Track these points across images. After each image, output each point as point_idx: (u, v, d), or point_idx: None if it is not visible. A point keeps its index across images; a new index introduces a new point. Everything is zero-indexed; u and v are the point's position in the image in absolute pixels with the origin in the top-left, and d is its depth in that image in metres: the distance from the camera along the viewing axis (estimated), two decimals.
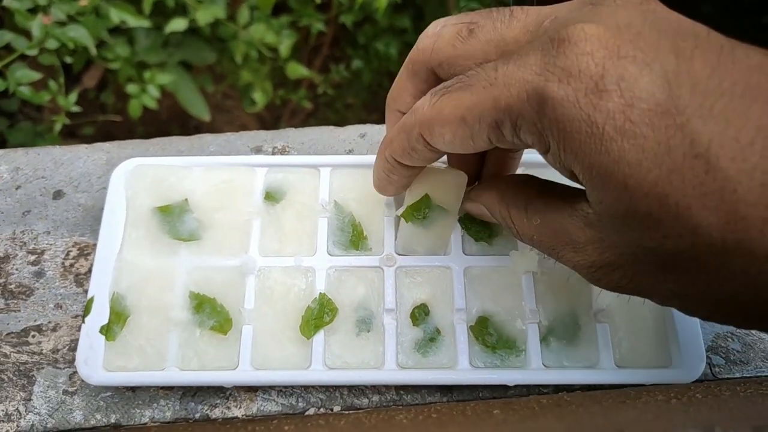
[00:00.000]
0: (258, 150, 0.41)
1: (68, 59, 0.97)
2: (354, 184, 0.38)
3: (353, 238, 0.36)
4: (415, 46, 0.30)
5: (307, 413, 0.35)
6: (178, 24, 0.99)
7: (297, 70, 1.20)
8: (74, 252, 0.38)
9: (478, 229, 0.36)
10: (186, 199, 0.37)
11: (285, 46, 1.15)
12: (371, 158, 0.38)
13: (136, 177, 0.37)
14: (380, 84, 1.45)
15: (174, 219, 0.36)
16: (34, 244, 0.39)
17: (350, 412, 0.35)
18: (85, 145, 0.41)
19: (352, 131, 0.42)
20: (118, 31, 1.02)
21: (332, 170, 0.38)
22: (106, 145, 0.41)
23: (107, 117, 1.25)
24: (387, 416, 0.41)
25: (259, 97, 1.18)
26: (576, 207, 0.25)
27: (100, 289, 0.35)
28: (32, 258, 0.38)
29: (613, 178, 0.21)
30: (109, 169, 0.40)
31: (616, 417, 0.74)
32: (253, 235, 0.36)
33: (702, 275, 0.22)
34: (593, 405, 0.48)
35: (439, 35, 0.28)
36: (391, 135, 0.30)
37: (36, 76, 0.88)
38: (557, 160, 0.24)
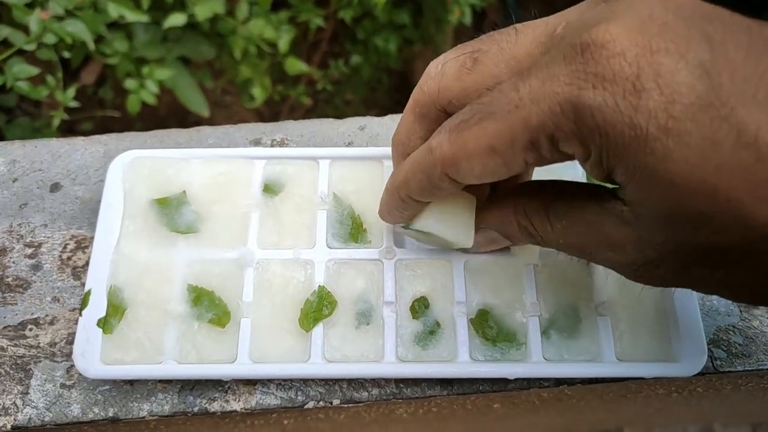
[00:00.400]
0: (257, 143, 0.41)
1: (66, 54, 0.96)
2: (353, 177, 0.37)
3: (352, 230, 0.36)
4: (418, 89, 0.28)
5: (306, 407, 0.35)
6: (176, 19, 0.98)
7: (296, 65, 1.19)
8: (72, 245, 0.38)
9: None
10: (184, 192, 0.36)
11: (284, 41, 1.14)
12: (371, 150, 0.38)
13: (134, 169, 0.37)
14: (379, 80, 1.45)
15: (172, 211, 0.36)
16: (32, 237, 0.38)
17: (350, 405, 0.35)
18: (83, 138, 0.41)
19: (352, 124, 0.41)
20: (116, 26, 1.01)
21: (331, 162, 0.37)
22: (104, 137, 0.41)
23: (105, 112, 1.25)
24: (387, 410, 0.41)
25: (258, 93, 1.18)
26: (606, 206, 0.24)
27: (97, 282, 0.35)
28: (29, 251, 0.38)
29: (660, 178, 0.20)
30: (106, 161, 0.40)
31: (617, 411, 0.74)
32: (252, 228, 0.36)
33: (754, 265, 0.21)
34: (594, 399, 0.48)
35: (443, 73, 0.27)
36: (407, 176, 0.28)
37: (34, 71, 0.88)
38: (597, 166, 0.23)
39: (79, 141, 0.41)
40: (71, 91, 0.97)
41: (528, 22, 0.26)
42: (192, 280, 0.35)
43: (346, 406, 0.35)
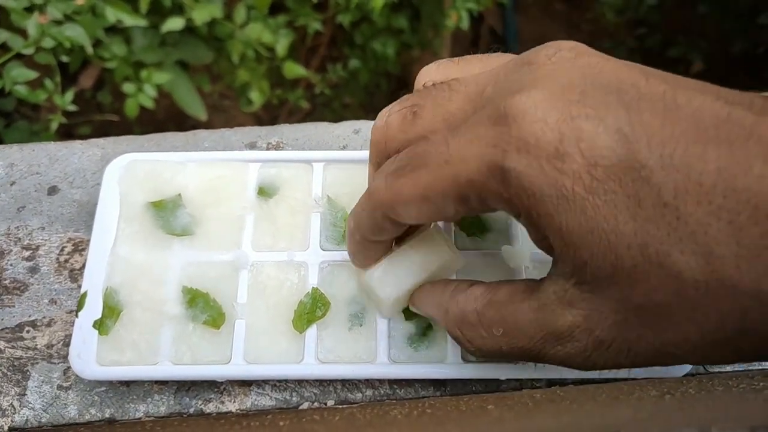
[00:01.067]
0: (252, 146, 0.41)
1: (65, 58, 0.97)
2: (347, 180, 0.38)
3: (346, 233, 0.36)
4: (371, 139, 0.30)
5: (301, 407, 0.35)
6: (174, 23, 0.99)
7: (294, 69, 1.20)
8: (69, 247, 0.39)
9: (470, 224, 0.37)
10: (179, 195, 0.37)
11: (282, 45, 1.15)
12: (364, 153, 0.38)
13: (130, 172, 0.37)
14: (377, 84, 1.45)
15: (167, 214, 0.36)
16: (29, 239, 0.39)
17: (344, 406, 0.35)
18: (80, 141, 0.42)
19: (347, 127, 0.42)
20: (114, 30, 1.02)
21: (325, 165, 0.38)
22: (101, 141, 0.42)
23: (104, 116, 1.25)
24: (381, 411, 0.41)
25: (256, 97, 1.19)
26: (544, 297, 0.25)
27: (93, 284, 0.35)
28: (27, 254, 0.38)
29: (594, 235, 0.21)
30: (103, 164, 0.40)
31: (611, 415, 0.74)
32: (246, 230, 0.36)
33: (693, 322, 0.22)
34: (588, 401, 0.48)
35: (387, 125, 0.28)
36: (357, 217, 0.30)
37: (32, 75, 0.89)
38: (529, 225, 0.24)
39: (76, 144, 0.41)
40: (69, 95, 0.97)
41: (462, 78, 0.27)
42: (187, 282, 0.35)
43: (340, 407, 0.36)
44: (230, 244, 0.36)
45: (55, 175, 0.41)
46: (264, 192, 0.37)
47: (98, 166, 0.41)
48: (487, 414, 0.50)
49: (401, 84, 1.49)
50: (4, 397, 0.35)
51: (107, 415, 0.35)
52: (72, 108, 0.97)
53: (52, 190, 0.40)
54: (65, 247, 0.39)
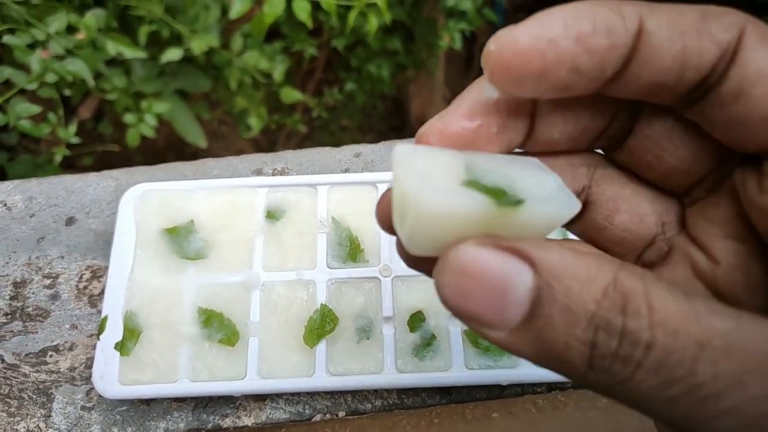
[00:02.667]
0: (258, 172, 0.43)
1: (67, 92, 0.99)
2: (350, 201, 0.40)
3: (351, 251, 0.38)
4: None
5: (313, 419, 0.37)
6: (173, 54, 1.01)
7: (291, 94, 1.22)
8: (87, 275, 0.40)
9: None
10: (192, 221, 0.39)
11: (279, 71, 1.17)
12: (366, 176, 0.40)
13: (144, 201, 0.39)
14: (374, 106, 1.48)
15: (181, 239, 0.38)
16: (49, 268, 0.41)
17: (355, 417, 0.37)
18: (95, 174, 0.44)
19: (348, 152, 0.44)
20: (113, 62, 1.04)
21: (329, 188, 0.40)
22: (114, 172, 0.44)
23: (105, 147, 1.27)
24: (391, 422, 0.43)
25: (255, 123, 1.21)
26: None
27: (113, 308, 0.37)
28: (48, 282, 0.40)
29: None
30: (118, 195, 0.42)
31: (615, 423, 0.76)
32: (256, 252, 0.38)
33: None
34: (590, 409, 0.50)
35: None
36: None
37: (36, 109, 0.91)
38: None
39: (91, 177, 0.44)
40: (72, 128, 1.00)
41: None
42: (202, 303, 0.37)
43: (351, 417, 0.37)
44: (242, 265, 0.38)
45: (72, 206, 0.43)
46: (272, 215, 0.39)
47: (113, 197, 0.43)
48: (492, 422, 0.52)
49: (397, 105, 1.52)
50: (30, 419, 0.37)
51: None
52: (75, 140, 1.00)
53: (70, 221, 0.42)
54: (84, 274, 0.41)
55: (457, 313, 0.17)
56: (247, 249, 0.38)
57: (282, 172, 0.43)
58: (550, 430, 0.70)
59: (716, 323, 0.15)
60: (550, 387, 0.37)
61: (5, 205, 0.43)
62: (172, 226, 0.39)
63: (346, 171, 0.44)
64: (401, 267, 0.38)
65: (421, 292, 0.37)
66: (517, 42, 0.17)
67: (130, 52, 0.98)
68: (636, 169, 0.22)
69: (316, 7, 1.02)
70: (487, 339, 0.17)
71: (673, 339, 0.15)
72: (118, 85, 1.05)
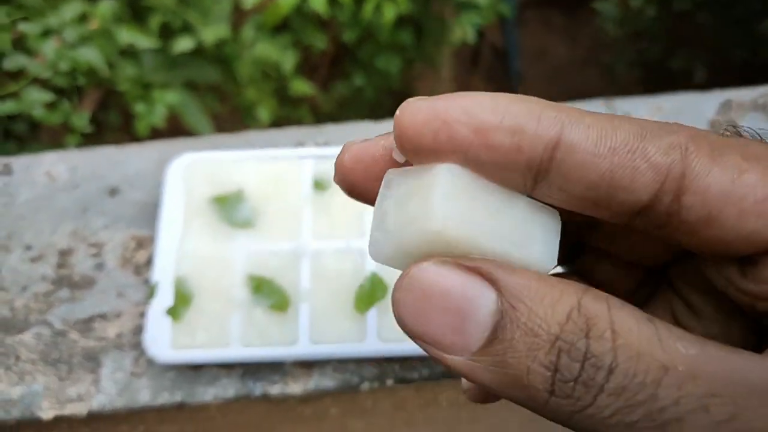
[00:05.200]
0: (300, 145, 0.44)
1: (81, 80, 0.99)
2: None
3: None
4: None
5: (361, 387, 0.37)
6: (185, 43, 1.02)
7: (301, 87, 1.23)
8: (132, 244, 0.41)
9: None
10: (241, 190, 0.39)
11: (289, 63, 1.18)
12: None
13: (192, 171, 0.40)
14: (381, 100, 1.48)
15: (230, 208, 0.38)
16: (94, 238, 0.41)
17: (401, 386, 0.37)
18: (137, 144, 0.44)
19: (388, 125, 0.44)
20: (124, 53, 1.04)
21: None
22: (157, 143, 0.44)
23: (115, 137, 1.27)
24: (432, 396, 0.44)
25: (264, 114, 1.21)
26: None
27: (163, 274, 0.37)
28: (93, 251, 0.40)
29: None
30: (160, 166, 0.43)
31: None
32: (305, 221, 0.39)
33: None
34: None
35: None
36: None
37: (50, 97, 0.91)
38: None
39: (134, 148, 0.44)
40: (86, 116, 1.00)
41: None
42: (252, 270, 0.37)
43: (397, 387, 0.38)
44: (290, 233, 0.38)
45: (115, 177, 0.43)
46: (320, 185, 0.39)
47: (155, 168, 0.43)
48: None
49: (404, 100, 1.52)
50: (81, 384, 0.37)
51: (179, 399, 0.37)
52: (89, 129, 1.00)
53: (114, 192, 0.42)
54: (129, 244, 0.41)
55: (414, 334, 0.16)
56: (296, 218, 0.39)
57: (325, 145, 0.44)
58: None
59: (680, 348, 0.15)
60: None
61: (50, 175, 0.43)
62: (221, 194, 0.39)
63: None
64: None
65: None
66: (417, 115, 0.16)
67: (142, 41, 0.99)
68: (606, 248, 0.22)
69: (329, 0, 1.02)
70: (443, 365, 0.16)
71: (636, 362, 0.15)
72: (129, 75, 1.05)
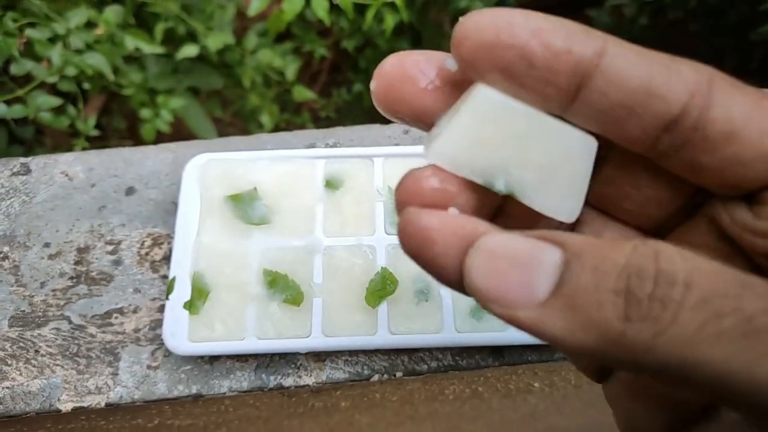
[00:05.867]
0: (311, 147, 0.45)
1: (86, 85, 1.00)
2: (405, 171, 0.41)
3: None
4: None
5: (371, 379, 0.38)
6: (189, 50, 1.03)
7: (303, 93, 1.24)
8: (148, 242, 0.42)
9: None
10: (255, 188, 0.40)
11: (291, 70, 1.19)
12: (418, 149, 0.42)
13: (207, 170, 0.41)
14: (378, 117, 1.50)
15: (245, 206, 0.40)
16: (111, 235, 0.42)
17: (410, 378, 0.39)
18: (152, 146, 0.45)
19: (396, 128, 0.46)
20: (129, 59, 1.06)
21: (384, 160, 0.42)
22: (172, 145, 0.45)
23: (120, 142, 1.28)
24: (438, 389, 0.45)
25: (267, 120, 1.22)
26: None
27: (180, 270, 0.38)
28: (110, 248, 0.42)
29: None
30: (175, 167, 0.44)
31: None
32: (317, 218, 0.40)
33: None
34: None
35: None
36: None
37: (57, 101, 0.92)
38: None
39: (150, 149, 0.45)
40: (92, 121, 1.01)
41: None
42: (267, 265, 0.38)
43: (406, 379, 0.39)
44: (304, 231, 0.39)
45: (131, 177, 0.44)
46: (331, 184, 0.41)
47: (171, 168, 0.44)
48: (526, 404, 0.54)
49: None
50: (99, 376, 0.38)
51: (194, 391, 0.38)
52: (95, 132, 1.01)
53: (130, 191, 0.44)
54: (145, 241, 0.42)
55: (484, 295, 0.17)
56: (309, 216, 0.40)
57: (334, 147, 0.45)
58: (569, 417, 0.71)
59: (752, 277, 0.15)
60: None
61: (67, 175, 0.44)
62: (236, 193, 0.40)
63: (396, 146, 0.45)
64: None
65: None
66: (481, 17, 0.17)
67: (147, 48, 1.00)
68: (603, 208, 0.22)
69: (330, 7, 1.03)
70: (514, 323, 0.17)
71: (713, 278, 0.15)
72: (134, 80, 1.06)
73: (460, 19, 0.18)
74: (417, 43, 1.43)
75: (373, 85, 0.20)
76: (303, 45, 1.31)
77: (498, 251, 0.17)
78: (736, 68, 1.46)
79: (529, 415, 0.67)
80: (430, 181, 0.20)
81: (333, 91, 1.47)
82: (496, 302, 0.17)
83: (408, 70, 0.20)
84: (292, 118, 1.37)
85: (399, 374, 0.39)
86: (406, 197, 0.20)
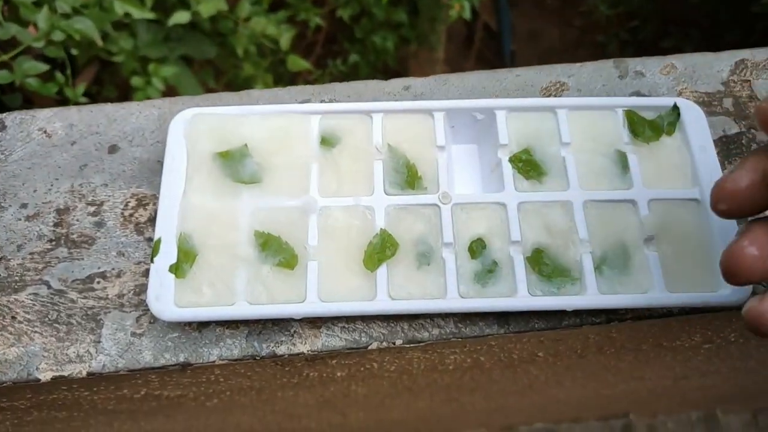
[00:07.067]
0: (305, 103, 0.42)
1: (74, 51, 0.97)
2: (405, 128, 0.39)
3: (408, 178, 0.37)
4: None
5: (369, 347, 0.36)
6: (181, 17, 1.00)
7: (298, 63, 1.21)
8: (132, 203, 0.39)
9: (528, 169, 0.38)
10: (245, 145, 0.38)
11: (285, 39, 1.16)
12: (421, 104, 0.40)
13: (195, 125, 0.38)
14: (377, 79, 1.47)
15: (235, 163, 0.37)
16: (93, 196, 0.40)
17: (410, 346, 0.36)
18: (137, 102, 0.42)
19: (397, 84, 0.43)
20: (119, 25, 1.02)
21: (384, 116, 0.39)
22: (157, 101, 0.42)
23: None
24: (438, 359, 0.43)
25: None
26: None
27: (166, 231, 0.36)
28: (92, 209, 0.39)
29: None
30: (161, 124, 0.41)
31: (625, 395, 0.76)
32: (312, 177, 0.37)
33: None
34: (627, 354, 0.50)
35: None
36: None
37: (44, 67, 0.89)
38: None
39: (133, 105, 0.42)
40: (81, 88, 0.98)
41: None
42: (258, 226, 0.36)
43: (406, 347, 0.37)
44: (298, 190, 0.37)
45: (114, 134, 0.41)
46: (326, 141, 0.38)
47: (156, 125, 0.42)
48: (527, 376, 0.52)
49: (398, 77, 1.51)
50: (80, 344, 0.36)
51: (182, 360, 0.36)
52: (83, 100, 0.98)
53: (113, 149, 0.41)
54: (129, 202, 0.39)
55: None
56: (303, 174, 0.37)
57: (331, 102, 0.42)
58: (568, 389, 0.70)
59: None
60: (609, 319, 0.37)
61: (45, 132, 0.41)
62: (225, 149, 0.38)
63: None
64: (460, 194, 0.37)
65: (482, 219, 0.37)
66: None
67: (137, 13, 0.97)
68: None
69: None
70: None
71: None
72: (125, 47, 1.03)
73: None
74: (414, 13, 1.40)
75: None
76: (297, 14, 1.27)
77: None
78: (737, 41, 1.43)
79: (528, 387, 0.65)
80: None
81: (328, 62, 1.44)
82: None
83: None
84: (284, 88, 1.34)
85: (399, 342, 0.36)
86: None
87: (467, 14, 1.23)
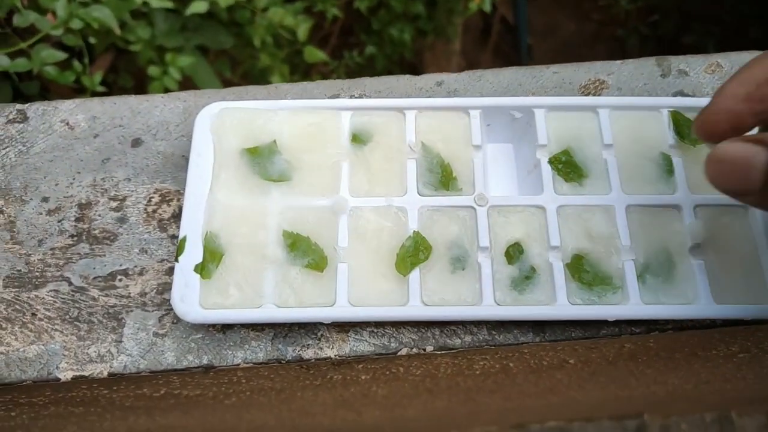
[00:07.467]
0: (335, 98, 0.41)
1: (92, 40, 0.96)
2: (439, 126, 0.37)
3: (443, 178, 0.36)
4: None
5: (399, 353, 0.35)
6: (199, 6, 0.99)
7: (315, 54, 1.20)
8: (156, 198, 0.38)
9: (569, 171, 0.36)
10: (274, 141, 0.36)
11: (303, 29, 1.15)
12: (457, 101, 0.38)
13: (222, 120, 0.37)
14: (392, 70, 1.45)
15: (263, 160, 0.36)
16: (115, 190, 0.38)
17: (443, 352, 0.35)
18: (161, 95, 0.41)
19: (429, 80, 0.42)
20: (137, 15, 1.02)
21: (418, 113, 0.38)
22: (182, 94, 0.41)
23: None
24: (465, 364, 0.41)
25: (277, 81, 1.18)
26: None
27: (191, 229, 0.35)
28: (114, 204, 0.38)
29: None
30: (186, 117, 0.40)
31: (641, 398, 0.75)
32: (343, 176, 0.36)
33: None
34: (657, 361, 0.48)
35: None
36: None
37: (62, 55, 0.88)
38: None
39: (158, 98, 0.41)
40: (98, 77, 0.97)
41: None
42: (287, 226, 0.35)
43: (437, 353, 0.35)
44: (328, 189, 0.36)
45: (138, 127, 0.40)
46: (358, 139, 0.37)
47: (181, 119, 0.40)
48: (551, 379, 0.50)
49: (414, 71, 1.49)
50: (101, 343, 0.35)
51: (205, 362, 0.35)
52: (101, 89, 0.97)
53: (136, 143, 0.40)
54: (152, 197, 0.38)
55: (718, 188, 0.27)
56: (333, 172, 0.36)
57: (360, 98, 0.41)
58: (591, 390, 0.68)
59: None
60: (649, 329, 0.35)
61: (67, 124, 0.40)
62: (253, 145, 0.36)
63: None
64: (497, 196, 0.36)
65: (519, 223, 0.35)
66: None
67: (156, 2, 0.96)
68: None
69: None
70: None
71: None
72: (142, 36, 1.02)
73: None
74: (432, 5, 1.38)
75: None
76: (315, 4, 1.26)
77: (720, 157, 0.26)
78: (759, 38, 1.41)
79: (549, 390, 0.64)
80: None
81: (344, 53, 1.42)
82: (727, 192, 0.27)
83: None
84: (301, 79, 1.33)
85: (429, 348, 0.35)
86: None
87: (487, 7, 1.21)
